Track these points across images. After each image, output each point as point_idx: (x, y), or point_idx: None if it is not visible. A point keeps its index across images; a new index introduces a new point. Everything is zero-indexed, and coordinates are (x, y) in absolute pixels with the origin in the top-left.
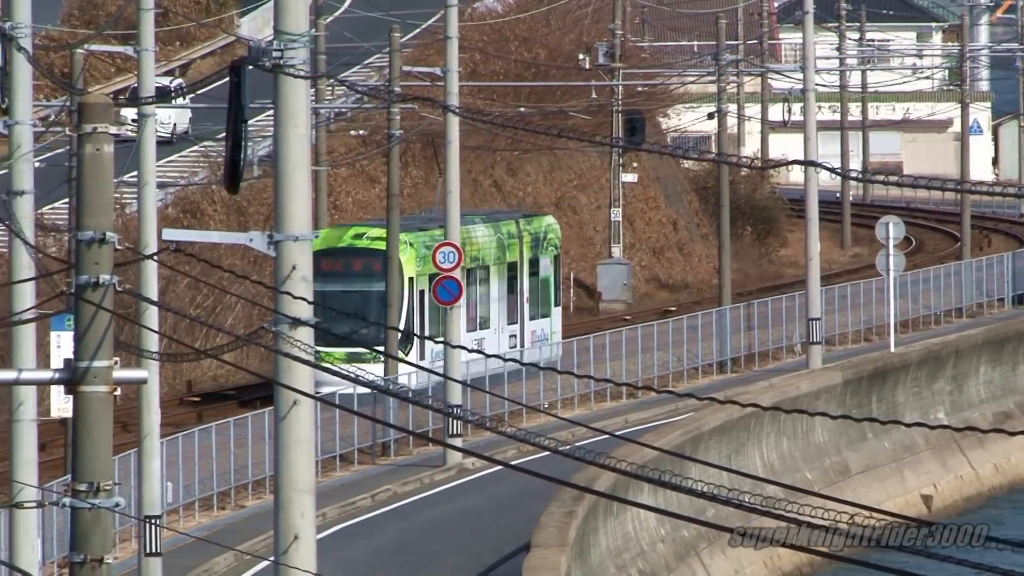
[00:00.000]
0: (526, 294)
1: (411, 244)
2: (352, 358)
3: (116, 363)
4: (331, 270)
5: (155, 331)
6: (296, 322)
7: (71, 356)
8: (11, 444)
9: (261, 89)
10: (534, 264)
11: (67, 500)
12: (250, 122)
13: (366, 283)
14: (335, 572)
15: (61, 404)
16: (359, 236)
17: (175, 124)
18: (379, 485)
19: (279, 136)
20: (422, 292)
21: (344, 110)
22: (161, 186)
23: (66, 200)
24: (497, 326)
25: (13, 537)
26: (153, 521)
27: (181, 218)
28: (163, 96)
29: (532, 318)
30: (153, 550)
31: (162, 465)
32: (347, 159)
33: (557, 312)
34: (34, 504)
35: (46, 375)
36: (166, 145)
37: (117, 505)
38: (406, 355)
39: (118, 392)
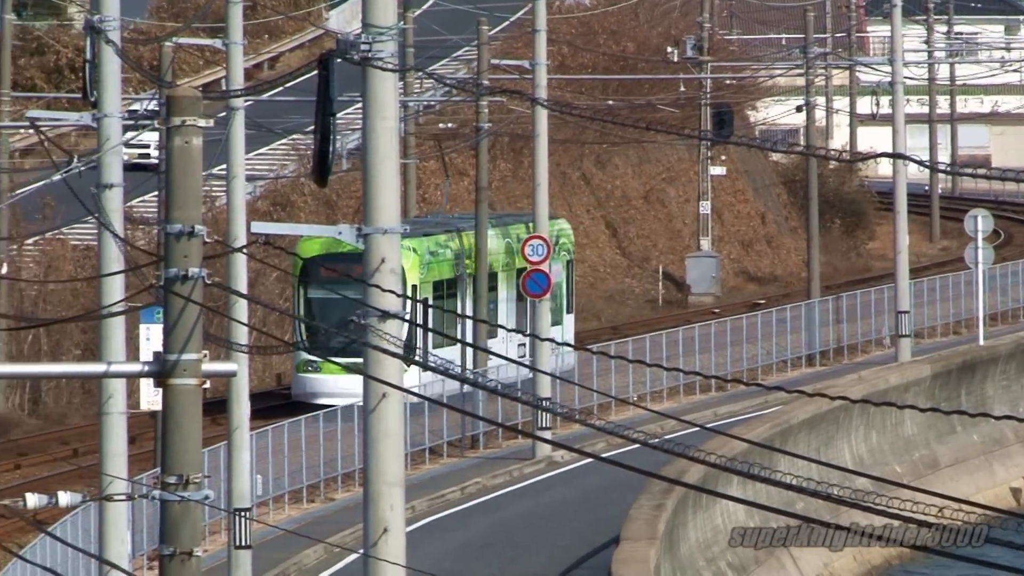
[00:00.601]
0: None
1: (414, 250)
2: (350, 369)
3: (205, 356)
4: (330, 278)
5: (244, 324)
6: (385, 315)
7: (160, 349)
8: (101, 437)
9: (350, 82)
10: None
11: (157, 493)
12: (339, 115)
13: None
14: (424, 565)
15: (151, 397)
16: (339, 243)
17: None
18: (468, 478)
19: (367, 129)
20: (425, 300)
21: (432, 103)
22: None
23: (155, 193)
24: (505, 334)
25: (103, 530)
26: (243, 514)
27: (271, 211)
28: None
29: (554, 323)
30: (243, 543)
31: (252, 458)
32: (435, 152)
33: (569, 320)
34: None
35: (135, 368)
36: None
37: (206, 498)
38: (408, 365)
39: (207, 385)
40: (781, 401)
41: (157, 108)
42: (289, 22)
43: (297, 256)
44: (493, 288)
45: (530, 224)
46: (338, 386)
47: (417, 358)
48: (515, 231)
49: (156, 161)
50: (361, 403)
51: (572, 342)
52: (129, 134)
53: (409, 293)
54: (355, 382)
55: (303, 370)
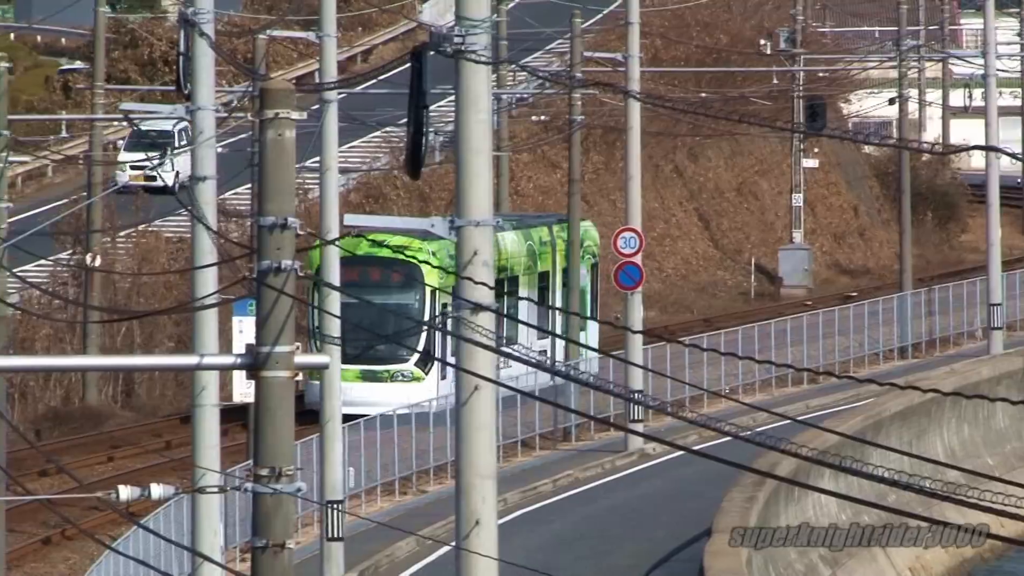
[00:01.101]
0: (558, 306)
1: (434, 253)
2: (369, 376)
3: (298, 348)
4: (348, 280)
5: (336, 316)
6: (477, 307)
7: (253, 341)
8: (193, 429)
9: (443, 75)
10: (568, 275)
11: (249, 485)
12: (431, 108)
13: (388, 296)
14: (516, 558)
15: (243, 389)
16: (379, 244)
17: (178, 172)
18: (560, 470)
19: (460, 122)
20: (445, 305)
21: (525, 95)
22: (343, 171)
23: (248, 186)
24: (526, 341)
25: (196, 522)
26: (335, 506)
27: (363, 203)
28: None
29: (582, 329)
30: (335, 535)
31: (344, 450)
32: (528, 144)
33: (594, 327)
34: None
35: (228, 360)
36: (162, 194)
37: (299, 490)
38: (426, 375)
39: (299, 377)
40: (873, 394)
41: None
42: (382, 15)
43: (313, 263)
44: (513, 293)
45: (553, 226)
46: (354, 394)
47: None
48: (537, 234)
49: (164, 184)
50: (383, 412)
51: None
52: (128, 156)
53: (428, 298)
54: (373, 391)
55: (317, 376)
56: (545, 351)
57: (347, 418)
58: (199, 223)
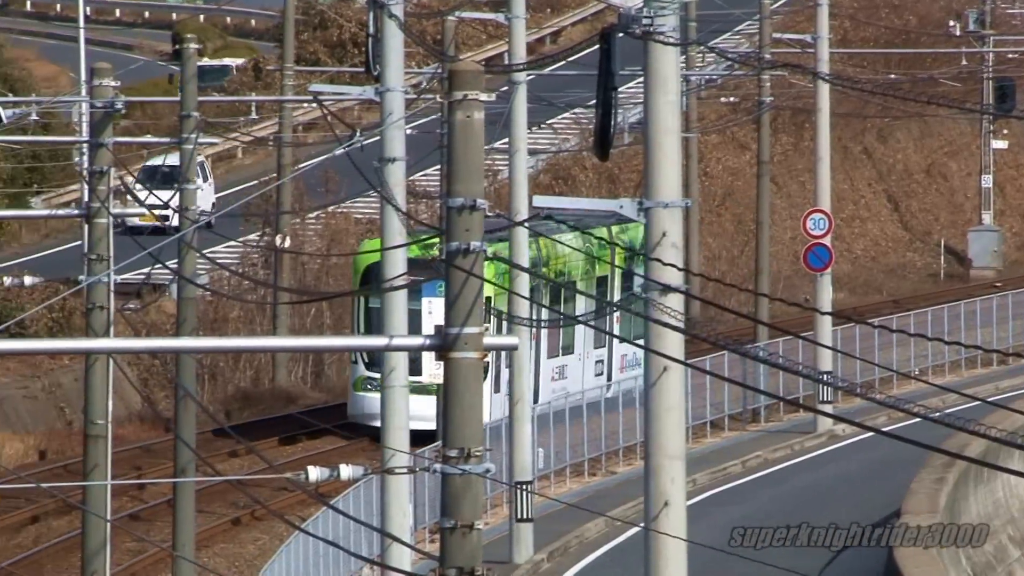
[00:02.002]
0: (616, 313)
1: (492, 257)
2: (414, 388)
3: (487, 329)
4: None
5: (525, 297)
6: (666, 288)
7: (442, 322)
8: (383, 410)
9: (631, 56)
10: (627, 279)
11: (438, 466)
12: (620, 89)
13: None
14: (705, 539)
15: (432, 370)
16: (431, 246)
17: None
18: (749, 451)
19: (649, 103)
20: (500, 315)
21: (714, 77)
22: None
23: (437, 167)
24: (582, 351)
25: (385, 503)
26: (524, 487)
27: (552, 185)
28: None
29: (622, 341)
30: (524, 516)
31: (533, 431)
32: (717, 126)
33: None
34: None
35: (417, 341)
36: (160, 234)
37: (488, 471)
38: None
39: (488, 359)
40: None
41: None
42: None
43: (356, 262)
44: (571, 299)
45: (612, 228)
46: None
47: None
48: (596, 236)
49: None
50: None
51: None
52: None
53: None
54: (418, 403)
55: (361, 388)
56: (602, 360)
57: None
58: (388, 204)
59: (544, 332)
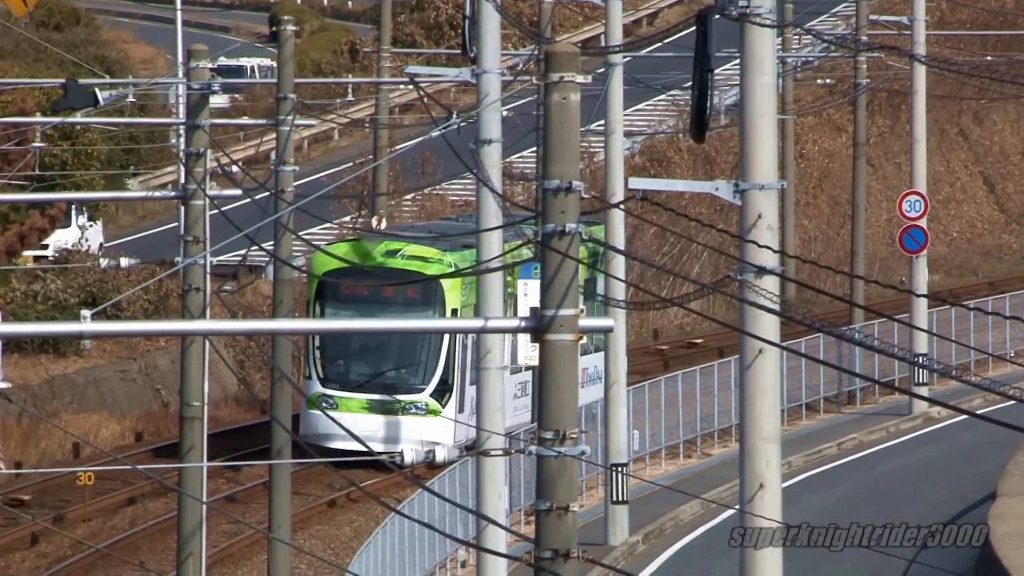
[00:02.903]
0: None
1: (454, 266)
2: (376, 408)
3: (582, 311)
4: (353, 295)
5: (621, 280)
6: (761, 271)
7: (538, 304)
8: (479, 392)
9: (728, 38)
10: (589, 285)
11: (533, 448)
12: (716, 71)
13: (399, 314)
14: (800, 521)
15: (528, 352)
16: (393, 254)
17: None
18: (845, 434)
19: (745, 85)
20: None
21: (810, 59)
22: (628, 135)
23: (533, 149)
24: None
25: (480, 485)
26: (619, 469)
27: (648, 166)
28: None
29: (584, 352)
30: (619, 498)
31: (629, 413)
32: (813, 108)
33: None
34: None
35: (513, 323)
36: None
37: (583, 453)
38: (443, 406)
39: (584, 340)
40: None
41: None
42: None
43: (310, 274)
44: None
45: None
46: (358, 427)
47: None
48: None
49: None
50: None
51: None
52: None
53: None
54: (380, 425)
55: (314, 406)
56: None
57: (341, 455)
58: (484, 186)
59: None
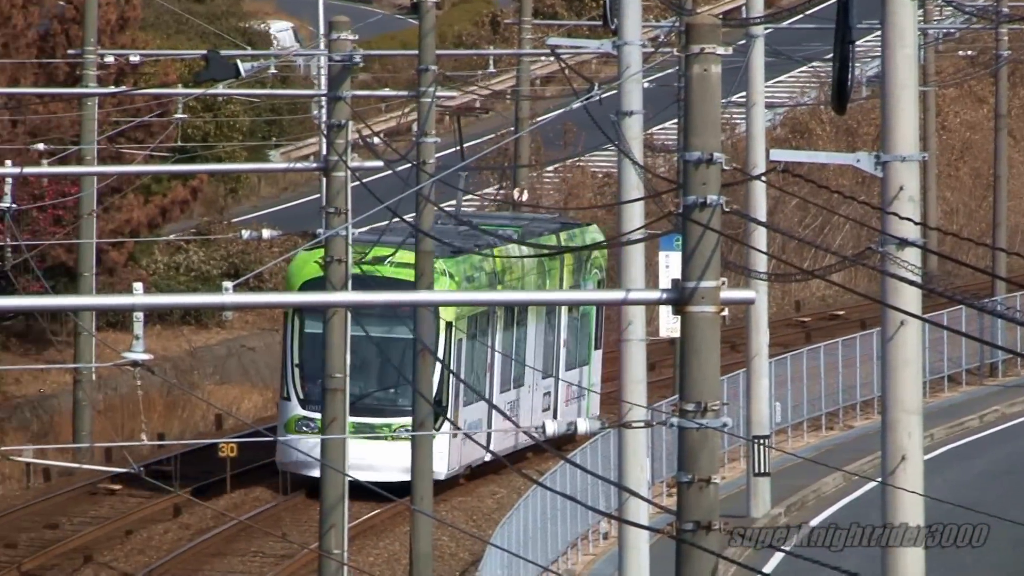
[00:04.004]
0: (563, 335)
1: (449, 274)
2: (364, 432)
3: (724, 283)
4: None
5: (763, 252)
6: (903, 243)
7: (679, 276)
8: (620, 364)
9: (869, 10)
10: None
11: (675, 420)
12: (858, 43)
13: (388, 327)
14: (942, 493)
15: (669, 324)
16: (380, 261)
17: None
18: (987, 406)
19: (887, 57)
20: (460, 342)
21: (952, 30)
22: (769, 106)
23: (675, 121)
24: (532, 382)
25: (622, 456)
26: (761, 441)
27: (789, 138)
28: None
29: (569, 367)
30: (761, 470)
31: (770, 385)
32: (954, 79)
33: (597, 357)
34: (642, 424)
35: (654, 295)
36: None
37: (725, 425)
38: (438, 428)
39: (725, 312)
40: None
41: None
42: None
43: (289, 282)
44: (523, 322)
45: (560, 235)
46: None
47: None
48: (546, 244)
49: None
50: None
51: (599, 385)
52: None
53: (441, 333)
54: (368, 451)
55: (293, 430)
56: (549, 392)
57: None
58: (626, 158)
59: (497, 364)
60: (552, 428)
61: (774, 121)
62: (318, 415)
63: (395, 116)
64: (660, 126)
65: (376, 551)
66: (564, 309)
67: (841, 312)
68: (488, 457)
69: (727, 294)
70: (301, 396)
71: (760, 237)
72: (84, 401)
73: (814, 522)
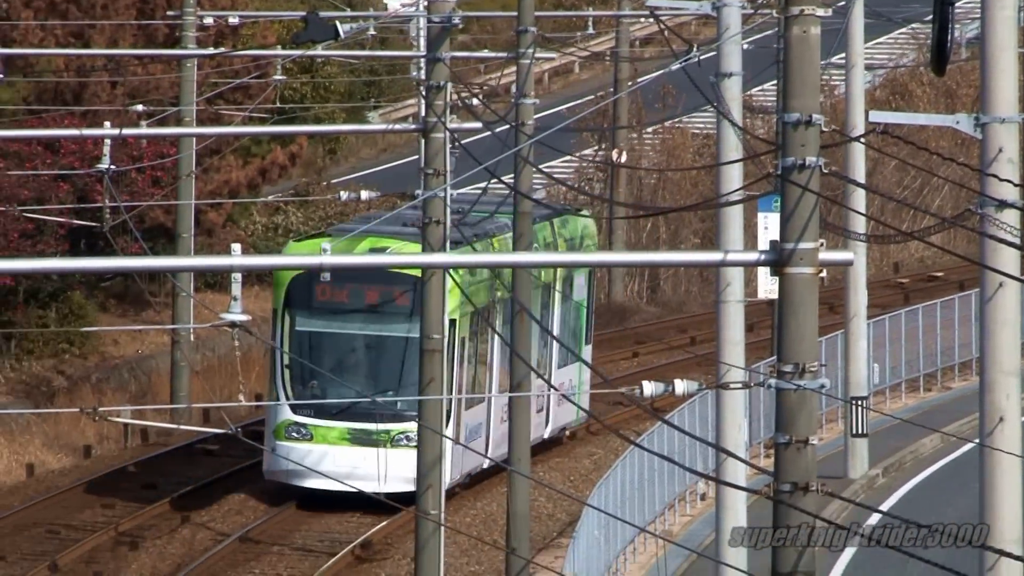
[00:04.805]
0: (556, 330)
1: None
2: (360, 439)
3: (822, 245)
4: (329, 302)
5: (861, 213)
6: (1002, 204)
7: (777, 238)
8: (718, 325)
9: None
10: (566, 287)
11: (773, 381)
12: (957, 4)
13: (386, 325)
14: None
15: (768, 285)
16: (377, 253)
17: None
18: None
19: (987, 18)
20: (463, 340)
21: None
22: (869, 68)
23: (774, 82)
24: (528, 380)
25: (720, 418)
26: (859, 402)
27: (889, 100)
28: None
29: (560, 365)
30: (859, 431)
31: (868, 347)
32: None
33: (587, 353)
34: (740, 385)
35: (752, 256)
36: None
37: (823, 387)
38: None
39: (824, 274)
40: None
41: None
42: None
43: (278, 276)
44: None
45: (555, 223)
46: (338, 462)
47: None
48: (541, 233)
49: None
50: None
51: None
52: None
53: (446, 332)
54: (364, 458)
55: (284, 436)
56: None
57: (310, 497)
58: (724, 119)
59: (495, 366)
60: (650, 389)
61: (873, 83)
62: (310, 420)
63: (494, 77)
64: (759, 88)
65: (473, 512)
66: (557, 304)
67: (939, 274)
68: (486, 464)
69: (825, 255)
70: (292, 399)
71: (859, 199)
72: (182, 362)
73: (912, 482)
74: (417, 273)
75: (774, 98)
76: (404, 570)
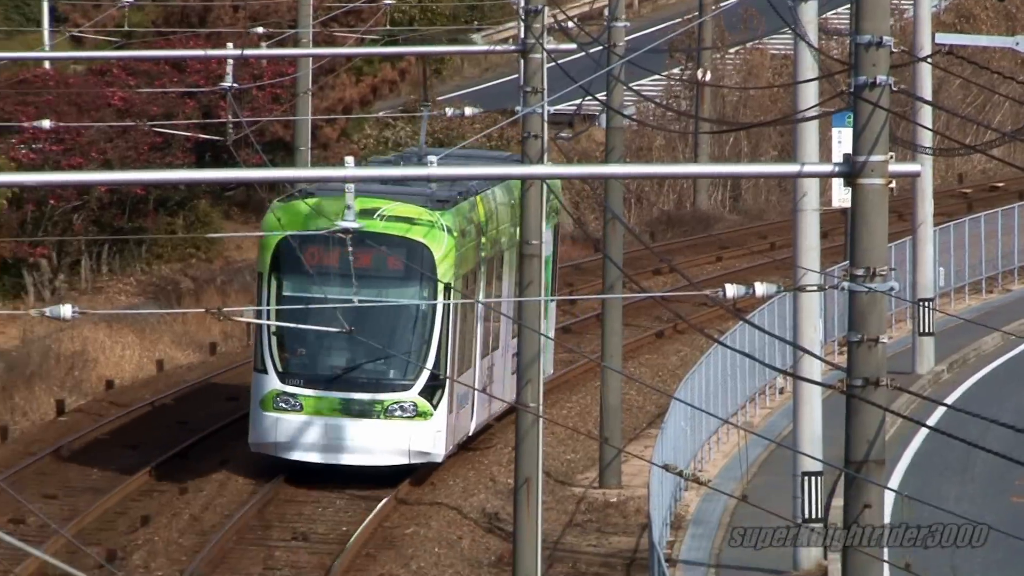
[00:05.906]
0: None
1: (447, 228)
2: (352, 410)
3: (891, 157)
4: (319, 265)
5: (928, 128)
6: None
7: (850, 151)
8: (795, 232)
9: None
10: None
11: (846, 284)
12: None
13: (380, 290)
14: None
15: (841, 195)
16: (370, 214)
17: None
18: None
19: None
20: (456, 306)
21: None
22: None
23: (847, 6)
24: (505, 343)
25: (797, 318)
26: (925, 303)
27: (955, 23)
28: None
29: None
30: (925, 330)
31: (934, 252)
32: None
33: (552, 308)
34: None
35: (826, 168)
36: None
37: (892, 289)
38: (435, 407)
39: (893, 184)
40: None
41: None
42: None
43: (264, 240)
44: (500, 276)
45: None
46: (330, 436)
47: None
48: (517, 187)
49: None
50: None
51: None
52: None
53: (439, 295)
54: (358, 431)
55: (271, 407)
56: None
57: (300, 471)
58: (801, 40)
59: (479, 328)
60: (732, 291)
61: (939, 7)
62: (300, 390)
63: (588, 1)
64: (834, 11)
65: (569, 404)
66: (512, 259)
67: (1001, 184)
68: (472, 431)
69: (894, 167)
70: (280, 368)
71: (926, 115)
72: None
73: (975, 378)
74: (410, 236)
75: (848, 21)
76: (506, 458)
